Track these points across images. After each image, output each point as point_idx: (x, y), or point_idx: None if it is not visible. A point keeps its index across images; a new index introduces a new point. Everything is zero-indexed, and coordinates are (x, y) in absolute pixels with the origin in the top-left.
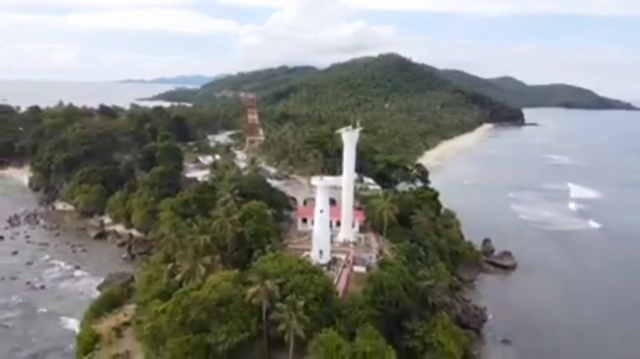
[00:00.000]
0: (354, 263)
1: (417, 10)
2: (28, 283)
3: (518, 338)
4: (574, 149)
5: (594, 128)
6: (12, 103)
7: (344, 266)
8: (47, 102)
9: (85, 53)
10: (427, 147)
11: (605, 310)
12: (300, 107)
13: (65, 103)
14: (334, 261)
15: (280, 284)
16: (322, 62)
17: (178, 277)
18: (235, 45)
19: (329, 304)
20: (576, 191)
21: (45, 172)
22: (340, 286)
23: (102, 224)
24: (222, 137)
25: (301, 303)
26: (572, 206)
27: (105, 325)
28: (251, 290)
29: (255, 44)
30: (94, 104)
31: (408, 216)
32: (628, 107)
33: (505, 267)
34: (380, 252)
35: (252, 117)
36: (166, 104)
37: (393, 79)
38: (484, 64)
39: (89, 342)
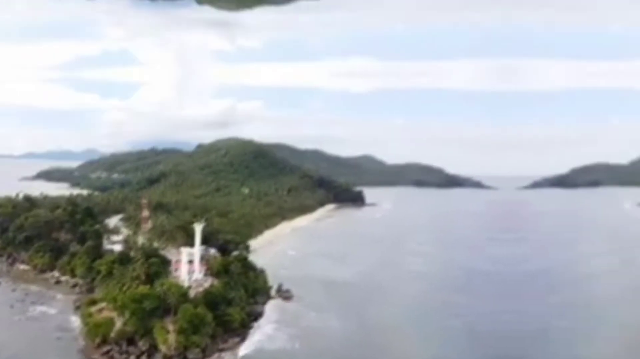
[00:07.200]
0: (199, 286)
1: (284, 87)
2: (33, 302)
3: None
4: (386, 225)
5: (419, 208)
6: None
7: (194, 287)
8: None
9: None
10: (267, 227)
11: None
12: (171, 194)
13: None
14: (190, 286)
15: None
16: (189, 139)
17: (124, 288)
18: (100, 120)
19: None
20: (355, 255)
21: (5, 245)
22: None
23: (54, 276)
24: (115, 221)
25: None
26: (349, 267)
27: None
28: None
29: (120, 119)
30: None
31: (229, 269)
32: (477, 185)
33: (285, 297)
34: (212, 283)
35: (146, 214)
36: (49, 184)
37: (250, 166)
38: (348, 140)
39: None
